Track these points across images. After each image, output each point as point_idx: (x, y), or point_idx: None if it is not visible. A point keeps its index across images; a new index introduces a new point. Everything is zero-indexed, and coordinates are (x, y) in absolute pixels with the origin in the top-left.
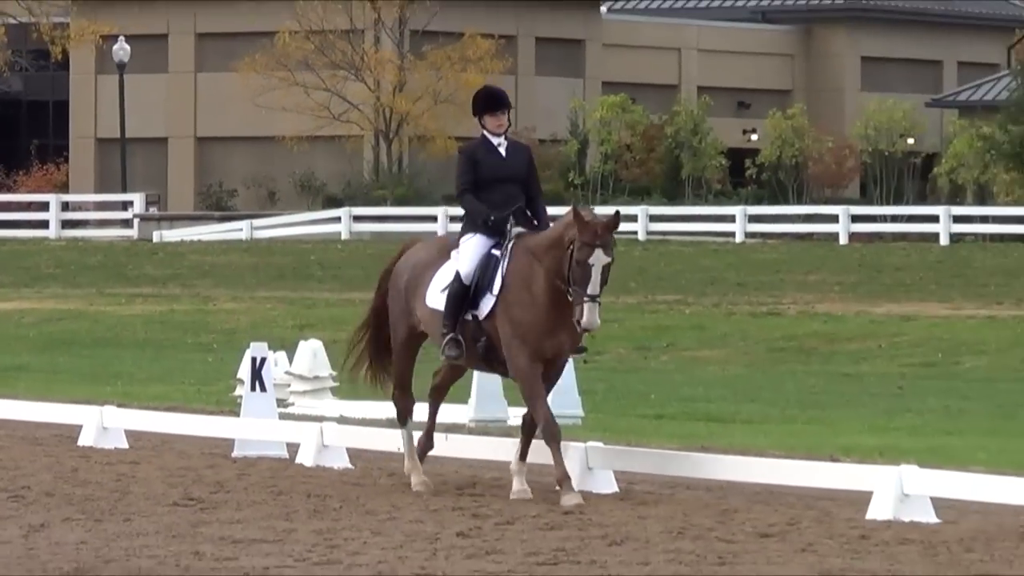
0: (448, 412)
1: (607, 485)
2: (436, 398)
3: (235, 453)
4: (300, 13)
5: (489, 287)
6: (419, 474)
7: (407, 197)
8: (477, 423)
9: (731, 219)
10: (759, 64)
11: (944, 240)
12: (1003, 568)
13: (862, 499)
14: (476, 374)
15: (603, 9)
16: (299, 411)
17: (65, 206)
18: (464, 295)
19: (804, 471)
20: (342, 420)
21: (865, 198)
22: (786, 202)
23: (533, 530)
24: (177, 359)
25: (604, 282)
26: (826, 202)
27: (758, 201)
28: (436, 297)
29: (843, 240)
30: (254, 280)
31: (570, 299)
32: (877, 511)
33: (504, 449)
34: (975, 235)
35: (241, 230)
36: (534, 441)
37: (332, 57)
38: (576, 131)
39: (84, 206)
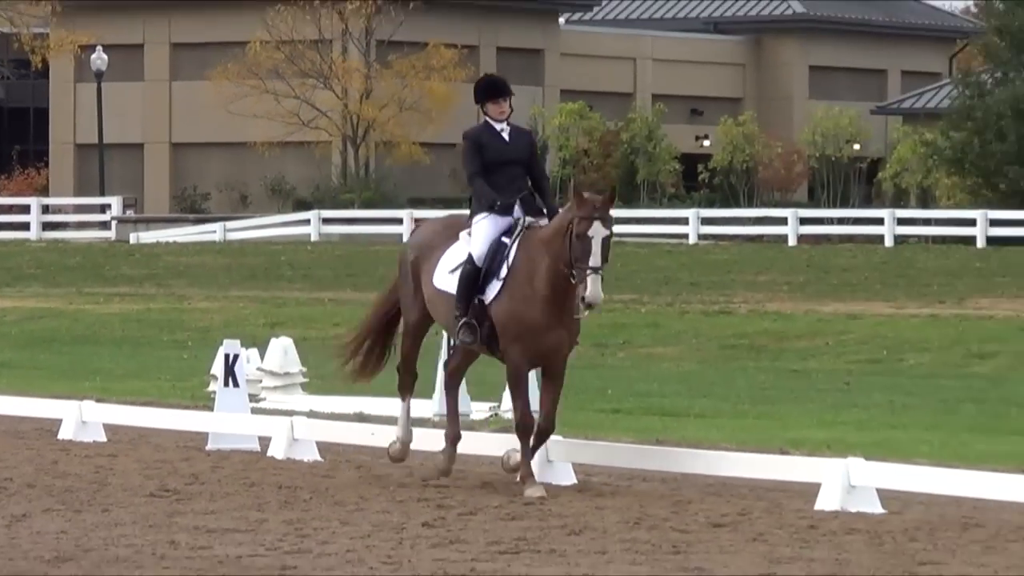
0: (413, 407)
1: (566, 477)
2: (453, 386)
3: (209, 446)
4: (271, 24)
5: (497, 273)
6: (404, 446)
7: (374, 200)
8: (441, 417)
9: (684, 222)
10: (711, 73)
11: (889, 242)
12: (946, 557)
13: (810, 490)
14: (439, 372)
15: (561, 20)
16: (270, 406)
17: (45, 209)
18: (476, 277)
19: (755, 463)
20: (312, 415)
21: (813, 201)
22: (737, 205)
23: (495, 520)
24: (153, 356)
25: (606, 255)
26: (775, 205)
27: (710, 204)
28: (444, 278)
29: (792, 242)
30: (227, 280)
31: (573, 282)
32: (825, 502)
33: (467, 442)
34: (918, 237)
35: (214, 232)
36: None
37: (301, 66)
38: (536, 137)
39: (64, 209)
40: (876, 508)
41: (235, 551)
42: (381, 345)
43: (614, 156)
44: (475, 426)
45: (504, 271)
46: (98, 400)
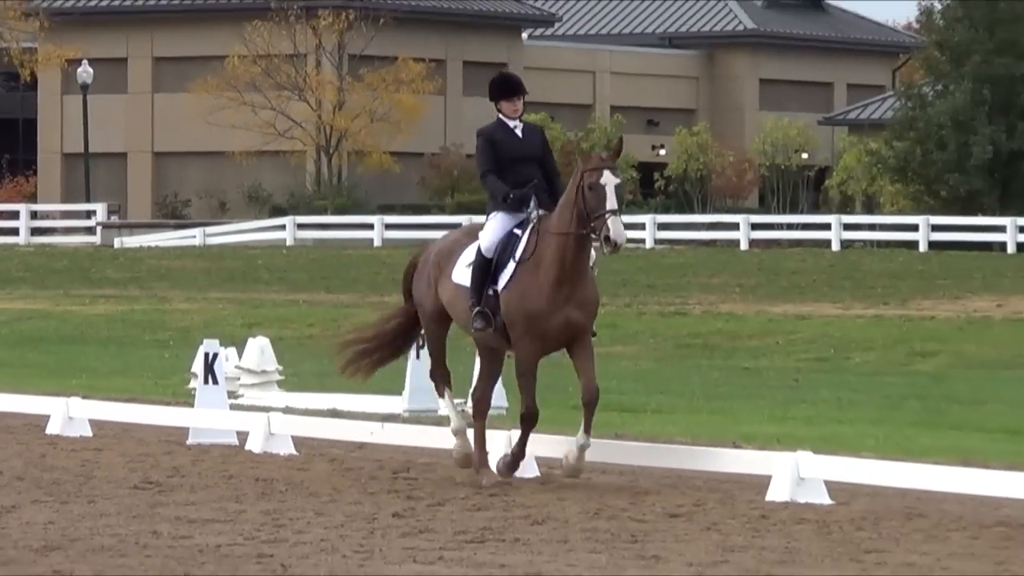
0: (384, 403)
1: (529, 470)
2: (481, 412)
3: (190, 441)
4: (248, 39)
5: (507, 263)
6: (464, 436)
7: (346, 206)
8: (411, 413)
9: (641, 227)
10: (667, 86)
11: (835, 246)
12: (890, 545)
13: (762, 482)
14: (409, 370)
15: (524, 35)
16: (248, 402)
17: (34, 215)
18: (487, 268)
19: (709, 457)
20: (287, 410)
21: (763, 208)
22: (691, 211)
23: (462, 511)
24: (136, 355)
25: (620, 202)
26: (728, 211)
27: (666, 210)
28: (461, 272)
29: (744, 246)
30: (206, 282)
31: (594, 237)
32: (775, 493)
33: (434, 437)
34: (863, 241)
35: (195, 237)
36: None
37: (277, 79)
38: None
39: (51, 215)
40: (824, 499)
41: (215, 540)
42: (388, 353)
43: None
44: (443, 421)
45: (514, 261)
46: (84, 397)
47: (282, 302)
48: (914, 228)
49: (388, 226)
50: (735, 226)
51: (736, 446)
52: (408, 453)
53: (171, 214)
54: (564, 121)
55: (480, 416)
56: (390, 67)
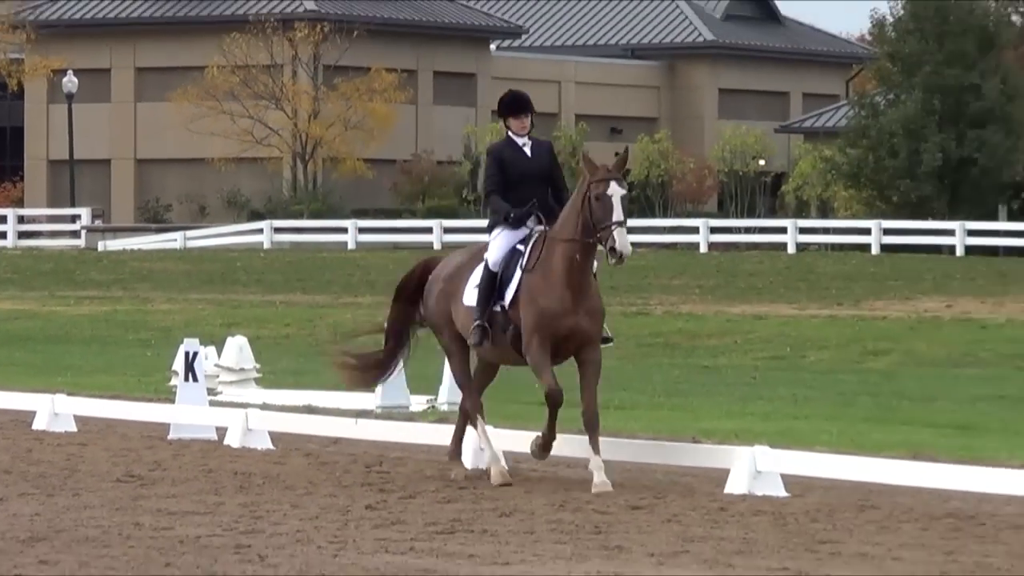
0: (357, 400)
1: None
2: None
3: (171, 436)
4: (227, 50)
5: (512, 277)
6: (498, 463)
7: (321, 211)
8: (383, 409)
9: None
10: (629, 95)
11: (791, 249)
12: (844, 536)
13: (720, 476)
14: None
15: (492, 47)
16: (227, 399)
17: (21, 219)
18: (492, 283)
19: (669, 451)
20: (265, 407)
21: (722, 212)
22: (653, 215)
23: (432, 503)
24: (119, 353)
25: (625, 213)
26: (688, 216)
27: (628, 215)
28: (471, 294)
29: (703, 249)
30: (187, 284)
31: (601, 247)
32: (734, 486)
33: (406, 432)
34: (818, 245)
35: (175, 240)
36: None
37: (255, 88)
38: (469, 154)
39: (38, 219)
40: (780, 492)
41: (194, 531)
42: (390, 358)
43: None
44: (414, 417)
45: (519, 273)
46: (69, 394)
47: (259, 303)
48: (867, 232)
49: (361, 230)
50: (695, 230)
51: (696, 441)
52: (381, 448)
53: (153, 218)
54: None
55: (467, 416)
56: (363, 77)
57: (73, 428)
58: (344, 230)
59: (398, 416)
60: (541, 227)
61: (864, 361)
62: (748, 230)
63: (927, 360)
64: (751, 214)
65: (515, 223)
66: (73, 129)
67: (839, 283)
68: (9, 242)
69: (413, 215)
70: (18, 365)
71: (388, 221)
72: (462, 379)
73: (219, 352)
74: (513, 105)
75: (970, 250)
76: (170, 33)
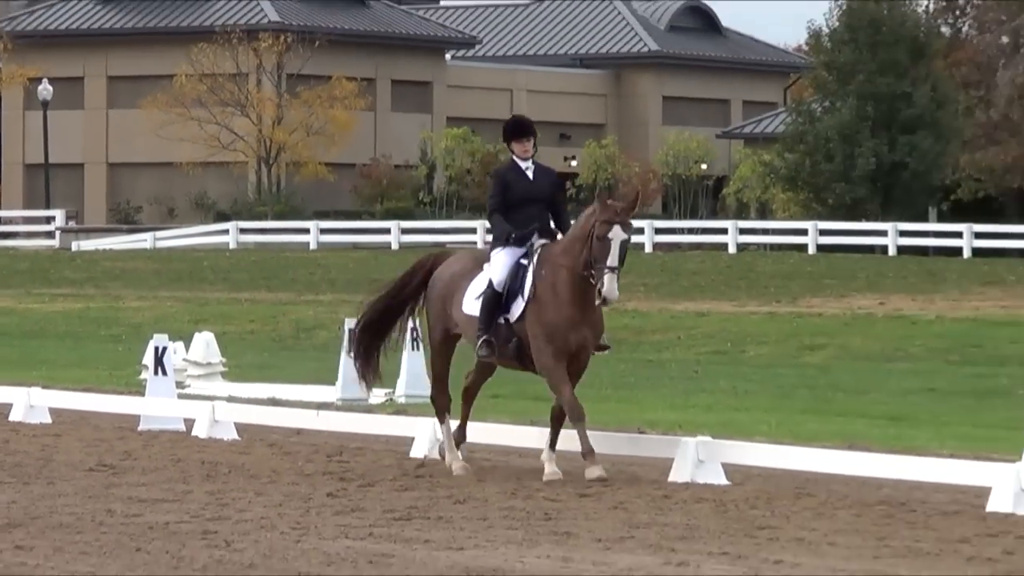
0: (318, 393)
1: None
2: (468, 398)
3: (141, 427)
4: (195, 59)
5: (520, 292)
6: (458, 460)
7: (284, 213)
8: (344, 402)
9: None
10: (578, 102)
11: (732, 249)
12: (782, 522)
13: (665, 465)
14: (342, 362)
15: (447, 56)
16: (194, 392)
17: None
18: (497, 301)
19: (616, 441)
20: (231, 399)
21: (666, 214)
22: None
23: (390, 491)
24: (92, 348)
25: (622, 257)
26: (634, 217)
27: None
28: (471, 304)
29: (648, 249)
30: (156, 282)
31: (592, 282)
32: (677, 475)
33: (365, 423)
34: (757, 245)
35: (146, 240)
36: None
37: (221, 96)
38: (425, 158)
39: (14, 220)
40: (722, 480)
41: (164, 518)
42: (380, 338)
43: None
44: (373, 410)
45: (527, 288)
46: (44, 387)
47: (226, 300)
48: (803, 233)
49: (323, 230)
50: (640, 231)
51: (641, 432)
52: (341, 439)
53: (124, 220)
54: (484, 134)
55: (466, 402)
56: (324, 85)
57: (48, 420)
58: (306, 231)
59: (357, 408)
60: (542, 240)
61: (801, 356)
62: (691, 231)
63: (861, 355)
64: (694, 216)
65: (517, 243)
66: (48, 134)
67: (777, 281)
68: None
69: (372, 216)
70: None
71: (348, 222)
72: (440, 375)
73: (187, 347)
74: (516, 130)
75: (902, 250)
76: (140, 43)
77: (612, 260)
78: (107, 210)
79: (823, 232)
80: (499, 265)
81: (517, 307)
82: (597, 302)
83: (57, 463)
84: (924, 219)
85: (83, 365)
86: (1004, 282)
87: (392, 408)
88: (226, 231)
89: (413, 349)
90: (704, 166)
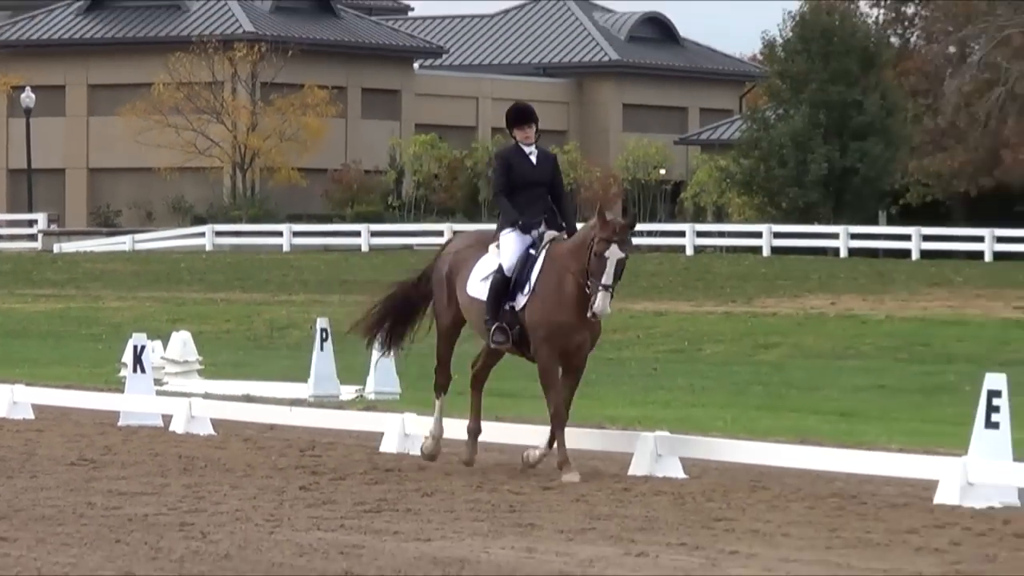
0: (291, 389)
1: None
2: (477, 385)
3: (120, 423)
4: (172, 68)
5: (526, 282)
6: (435, 441)
7: (258, 216)
8: (316, 398)
9: None
10: (540, 110)
11: (689, 251)
12: (738, 514)
13: (624, 459)
14: (314, 360)
15: (416, 65)
16: (172, 389)
17: None
18: (505, 286)
19: (578, 436)
20: (207, 396)
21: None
22: None
23: (361, 485)
24: (73, 347)
25: (618, 275)
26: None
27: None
28: (476, 286)
29: None
30: (135, 283)
31: (588, 292)
32: (637, 468)
33: (337, 419)
34: (714, 247)
35: (125, 243)
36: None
37: (198, 104)
38: (394, 163)
39: None
40: (679, 473)
41: (142, 510)
42: (403, 325)
43: (460, 179)
44: (344, 405)
45: (533, 280)
46: (27, 384)
47: (202, 300)
48: (758, 235)
49: (295, 233)
50: None
51: (601, 427)
52: (313, 434)
53: (104, 223)
54: (451, 141)
55: (476, 389)
56: (297, 93)
57: (31, 416)
58: (280, 233)
59: (329, 404)
60: (551, 232)
61: (756, 354)
62: (650, 234)
63: (813, 353)
64: (652, 219)
65: (524, 229)
66: (31, 141)
67: (733, 282)
68: None
69: (343, 220)
70: None
71: (320, 225)
72: (443, 359)
73: (165, 346)
74: (518, 116)
75: (853, 252)
76: (120, 53)
77: (607, 278)
78: (87, 214)
79: (777, 235)
80: (509, 250)
81: (523, 297)
82: (588, 315)
83: (40, 457)
84: (874, 222)
85: (64, 363)
86: (951, 283)
87: (362, 404)
88: (202, 234)
89: None
90: (663, 171)
